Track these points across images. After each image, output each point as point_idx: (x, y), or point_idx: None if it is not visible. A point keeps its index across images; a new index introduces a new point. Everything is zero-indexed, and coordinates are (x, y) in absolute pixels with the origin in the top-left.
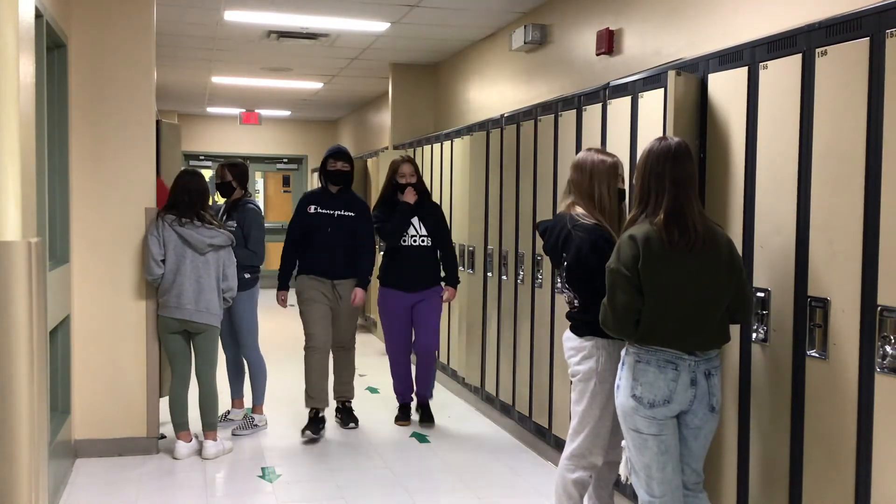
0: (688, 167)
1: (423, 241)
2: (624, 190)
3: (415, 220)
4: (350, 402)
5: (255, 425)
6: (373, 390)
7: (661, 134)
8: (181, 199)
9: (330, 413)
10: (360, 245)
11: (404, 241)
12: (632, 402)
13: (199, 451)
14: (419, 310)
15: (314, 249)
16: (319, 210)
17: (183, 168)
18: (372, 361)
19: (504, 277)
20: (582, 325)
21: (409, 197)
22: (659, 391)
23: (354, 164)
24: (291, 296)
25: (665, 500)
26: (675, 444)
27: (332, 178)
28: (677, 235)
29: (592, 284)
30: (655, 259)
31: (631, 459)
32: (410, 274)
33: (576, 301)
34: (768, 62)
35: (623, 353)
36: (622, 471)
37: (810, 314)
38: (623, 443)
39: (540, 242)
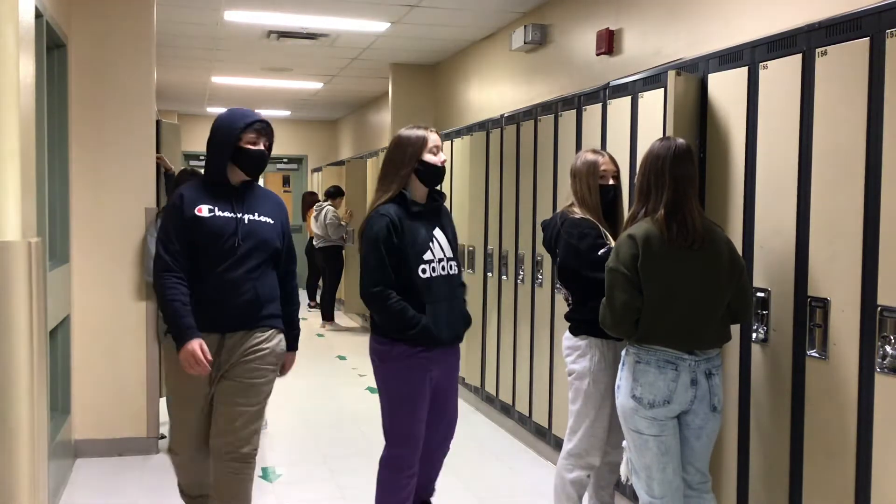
0: (688, 167)
1: (450, 267)
2: (608, 186)
3: (438, 234)
4: None
5: None
6: (372, 390)
7: (661, 134)
8: None
9: None
10: (282, 276)
11: (427, 271)
12: (632, 403)
13: None
14: (443, 381)
15: (206, 279)
16: (217, 213)
17: (182, 168)
18: None
19: (504, 277)
20: (577, 324)
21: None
22: (659, 391)
23: (352, 164)
24: None
25: (665, 501)
26: (675, 445)
27: (247, 162)
28: (675, 231)
29: (583, 280)
30: (655, 258)
31: (631, 460)
32: (439, 320)
33: (569, 298)
34: (768, 62)
35: (623, 353)
36: (623, 471)
37: (810, 314)
38: (624, 443)
39: (540, 238)
